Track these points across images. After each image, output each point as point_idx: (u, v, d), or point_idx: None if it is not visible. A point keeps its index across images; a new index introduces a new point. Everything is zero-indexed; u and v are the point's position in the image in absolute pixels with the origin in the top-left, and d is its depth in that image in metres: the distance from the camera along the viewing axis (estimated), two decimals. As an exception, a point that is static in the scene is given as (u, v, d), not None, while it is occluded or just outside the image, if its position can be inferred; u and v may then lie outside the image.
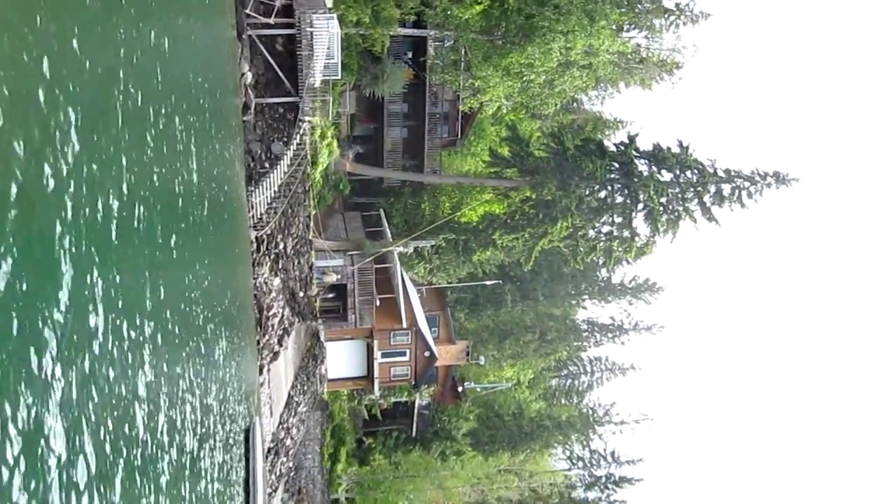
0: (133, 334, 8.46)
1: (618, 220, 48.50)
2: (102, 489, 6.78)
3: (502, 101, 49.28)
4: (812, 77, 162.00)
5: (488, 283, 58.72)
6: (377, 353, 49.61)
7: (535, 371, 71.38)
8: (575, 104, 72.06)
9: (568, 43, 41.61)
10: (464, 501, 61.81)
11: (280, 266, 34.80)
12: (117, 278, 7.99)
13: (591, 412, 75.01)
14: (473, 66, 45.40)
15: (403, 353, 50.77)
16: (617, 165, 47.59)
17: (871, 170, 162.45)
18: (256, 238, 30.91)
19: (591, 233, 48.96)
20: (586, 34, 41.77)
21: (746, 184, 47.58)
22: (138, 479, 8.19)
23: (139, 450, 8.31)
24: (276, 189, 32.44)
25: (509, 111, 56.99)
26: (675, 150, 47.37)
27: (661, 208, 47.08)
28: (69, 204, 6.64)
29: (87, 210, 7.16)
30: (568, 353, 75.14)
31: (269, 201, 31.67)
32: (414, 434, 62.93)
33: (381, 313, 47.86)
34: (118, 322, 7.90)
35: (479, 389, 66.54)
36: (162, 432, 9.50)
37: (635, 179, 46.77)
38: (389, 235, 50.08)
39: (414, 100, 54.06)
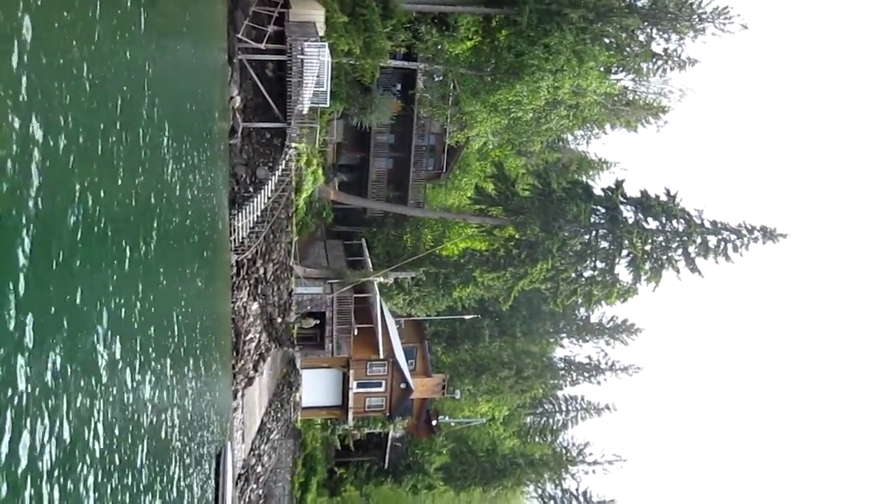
0: (106, 353, 8.41)
1: (600, 265, 48.29)
2: (68, 507, 6.70)
3: (489, 137, 49.59)
4: (802, 129, 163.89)
5: (467, 317, 58.64)
6: (353, 383, 49.37)
7: (510, 407, 71.15)
8: (561, 143, 72.64)
9: (556, 82, 41.99)
10: (433, 536, 61.33)
11: (259, 291, 34.69)
12: (94, 296, 7.95)
13: (564, 451, 74.65)
14: (461, 101, 45.72)
15: (379, 384, 50.54)
16: (603, 210, 47.50)
17: (858, 227, 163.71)
18: (237, 262, 30.84)
19: (573, 275, 48.69)
20: (574, 74, 42.17)
21: (733, 237, 47.23)
22: (101, 498, 8.09)
23: (107, 469, 8.22)
24: (259, 214, 32.41)
25: (495, 147, 57.35)
26: (663, 198, 47.05)
27: (645, 256, 46.90)
28: (48, 219, 6.62)
29: (67, 227, 7.14)
30: (544, 390, 74.93)
31: (251, 226, 31.64)
32: (386, 466, 62.47)
33: (359, 343, 47.65)
34: (92, 340, 7.85)
35: (453, 424, 66.22)
36: (131, 453, 9.41)
37: (620, 226, 46.62)
38: (370, 265, 50.00)
39: (401, 131, 54.29)
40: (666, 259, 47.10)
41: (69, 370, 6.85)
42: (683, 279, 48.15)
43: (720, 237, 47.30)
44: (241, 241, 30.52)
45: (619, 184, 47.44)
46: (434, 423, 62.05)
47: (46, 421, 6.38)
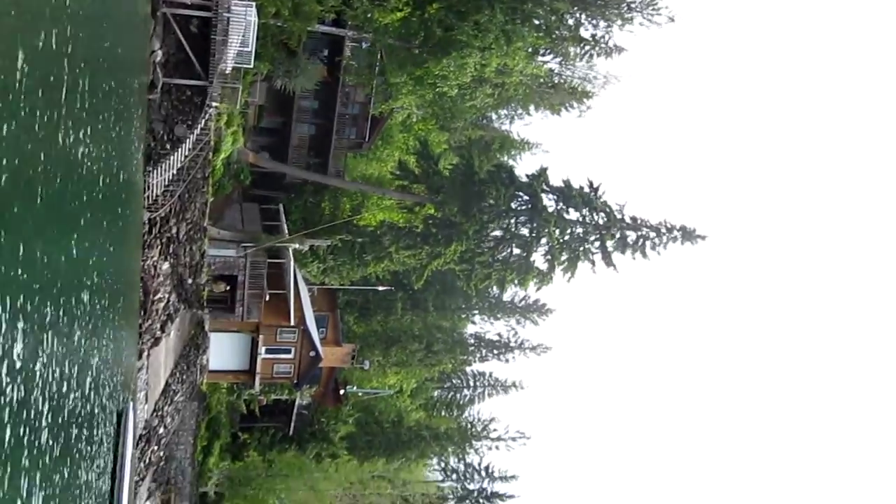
0: (5, 304, 8.21)
1: (517, 251, 48.38)
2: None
3: (413, 110, 49.48)
4: (726, 127, 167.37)
5: (380, 289, 58.71)
6: (261, 349, 48.99)
7: (418, 380, 71.57)
8: (485, 121, 72.96)
9: (483, 60, 42.09)
10: (334, 505, 61.48)
11: (171, 251, 34.11)
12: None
13: (469, 426, 75.52)
14: (388, 72, 45.46)
15: (288, 351, 50.27)
16: (525, 197, 47.44)
17: (777, 226, 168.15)
18: (149, 220, 30.25)
19: (489, 259, 48.62)
20: (502, 53, 42.33)
21: (652, 234, 47.34)
22: (-1, 454, 7.93)
23: (2, 422, 8.05)
24: (175, 172, 31.79)
25: (419, 120, 57.27)
26: (585, 189, 47.02)
27: (562, 247, 46.94)
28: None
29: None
30: (453, 365, 75.55)
31: (166, 184, 31.03)
32: (291, 433, 62.29)
33: (270, 309, 47.26)
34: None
35: (360, 394, 66.36)
36: (26, 408, 9.22)
37: (541, 214, 46.57)
38: (286, 231, 49.58)
39: (325, 98, 53.70)
40: (582, 251, 47.19)
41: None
42: (598, 272, 48.38)
43: (639, 234, 47.48)
44: (154, 198, 29.92)
45: (542, 171, 47.39)
46: (342, 392, 62.09)
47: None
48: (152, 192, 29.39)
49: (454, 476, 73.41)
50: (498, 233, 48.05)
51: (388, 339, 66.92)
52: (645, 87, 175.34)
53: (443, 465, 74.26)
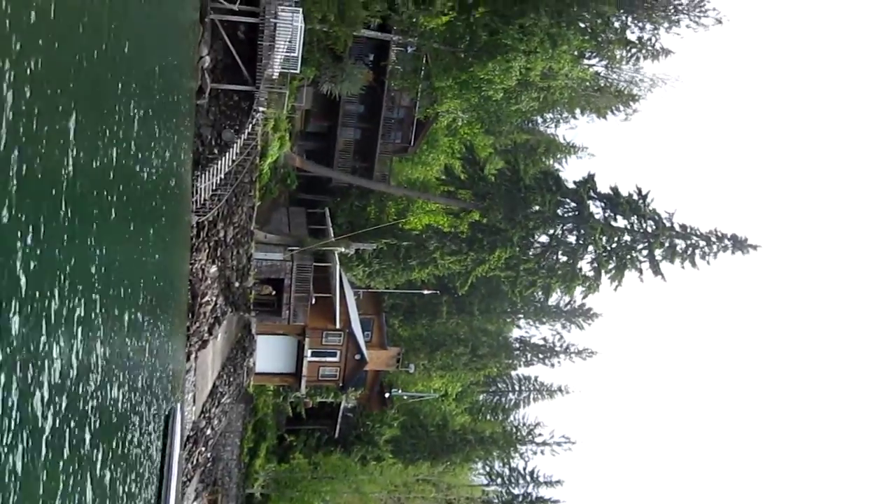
0: (60, 306, 8.36)
1: (563, 258, 47.81)
2: (13, 464, 6.68)
3: (458, 114, 49.47)
4: (778, 132, 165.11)
5: (426, 292, 58.80)
6: (307, 352, 49.32)
7: (463, 384, 71.52)
8: (530, 124, 72.75)
9: (528, 63, 41.97)
10: (379, 508, 61.56)
11: (218, 254, 34.47)
12: (49, 249, 7.90)
13: (514, 430, 75.31)
14: (433, 76, 45.53)
15: (334, 354, 50.54)
16: (572, 204, 46.81)
17: (833, 233, 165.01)
18: (198, 223, 30.59)
19: (534, 266, 48.10)
20: (547, 57, 42.18)
21: (702, 243, 46.32)
22: (50, 454, 8.07)
23: (56, 427, 8.19)
24: (223, 176, 32.12)
25: (464, 124, 57.28)
26: (634, 196, 46.13)
27: (609, 255, 46.10)
28: (4, 174, 6.56)
29: (27, 181, 7.08)
30: (498, 369, 75.42)
31: (214, 188, 31.36)
32: (336, 436, 62.58)
33: (316, 312, 47.58)
34: (47, 292, 7.80)
35: (405, 397, 66.48)
36: (76, 408, 9.37)
37: (588, 222, 45.85)
38: (332, 235, 49.85)
39: (371, 102, 53.96)
40: (630, 259, 46.18)
41: (23, 328, 6.82)
42: (646, 281, 47.38)
43: (689, 242, 46.46)
44: (203, 202, 30.24)
45: (589, 178, 46.67)
46: (387, 395, 62.26)
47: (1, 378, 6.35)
48: (200, 196, 29.71)
49: (499, 480, 73.24)
50: (544, 239, 47.56)
51: (433, 342, 66.95)
52: (694, 91, 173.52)
53: (487, 469, 74.13)
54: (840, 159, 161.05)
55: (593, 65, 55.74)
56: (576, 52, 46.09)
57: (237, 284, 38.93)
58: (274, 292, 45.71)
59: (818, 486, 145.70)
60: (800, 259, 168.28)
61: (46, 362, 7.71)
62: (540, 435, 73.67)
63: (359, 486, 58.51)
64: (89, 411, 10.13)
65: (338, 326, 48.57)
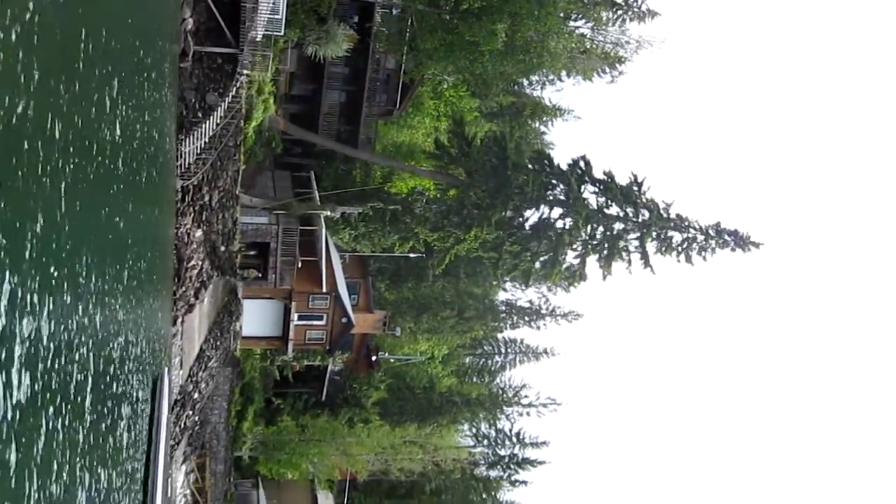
0: (45, 271, 8.34)
1: (546, 243, 46.67)
2: (1, 431, 6.69)
3: (444, 76, 49.17)
4: (767, 104, 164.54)
5: (412, 255, 58.86)
6: (294, 315, 49.39)
7: (449, 347, 71.88)
8: (516, 87, 72.38)
9: (514, 25, 41.69)
10: (367, 469, 62.01)
11: (204, 218, 34.35)
12: (29, 214, 7.86)
13: (500, 392, 75.85)
14: (419, 38, 45.20)
15: (320, 318, 50.65)
16: (561, 186, 45.45)
17: (832, 225, 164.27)
18: (182, 188, 30.47)
19: (517, 249, 46.88)
20: (534, 19, 41.91)
21: (700, 237, 44.60)
22: (38, 419, 8.09)
23: (42, 387, 8.20)
24: (207, 140, 31.93)
25: (450, 87, 56.99)
26: (629, 182, 44.81)
27: (599, 244, 44.86)
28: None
29: (5, 148, 7.02)
30: (484, 332, 75.78)
31: (198, 152, 31.19)
32: (323, 399, 62.88)
33: (302, 276, 47.58)
34: (30, 257, 7.77)
35: (392, 360, 66.78)
36: (62, 373, 9.38)
37: (578, 206, 44.54)
38: (318, 198, 49.71)
39: (355, 65, 53.57)
40: (618, 248, 44.73)
41: (8, 293, 6.80)
42: (635, 272, 45.99)
43: (686, 236, 44.87)
44: (187, 166, 30.10)
45: (583, 161, 45.34)
46: (373, 358, 62.49)
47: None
48: (185, 160, 29.56)
49: (485, 442, 73.89)
50: (532, 221, 46.59)
51: (419, 305, 67.16)
52: (681, 53, 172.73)
53: (474, 430, 74.72)
54: (834, 143, 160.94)
55: (579, 27, 55.44)
56: (562, 14, 45.80)
57: (223, 248, 38.85)
58: (259, 275, 45.50)
59: (814, 471, 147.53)
60: (799, 243, 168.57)
61: (32, 328, 7.70)
62: (526, 397, 74.27)
63: (346, 448, 58.93)
64: (75, 377, 10.13)
65: (324, 290, 48.60)
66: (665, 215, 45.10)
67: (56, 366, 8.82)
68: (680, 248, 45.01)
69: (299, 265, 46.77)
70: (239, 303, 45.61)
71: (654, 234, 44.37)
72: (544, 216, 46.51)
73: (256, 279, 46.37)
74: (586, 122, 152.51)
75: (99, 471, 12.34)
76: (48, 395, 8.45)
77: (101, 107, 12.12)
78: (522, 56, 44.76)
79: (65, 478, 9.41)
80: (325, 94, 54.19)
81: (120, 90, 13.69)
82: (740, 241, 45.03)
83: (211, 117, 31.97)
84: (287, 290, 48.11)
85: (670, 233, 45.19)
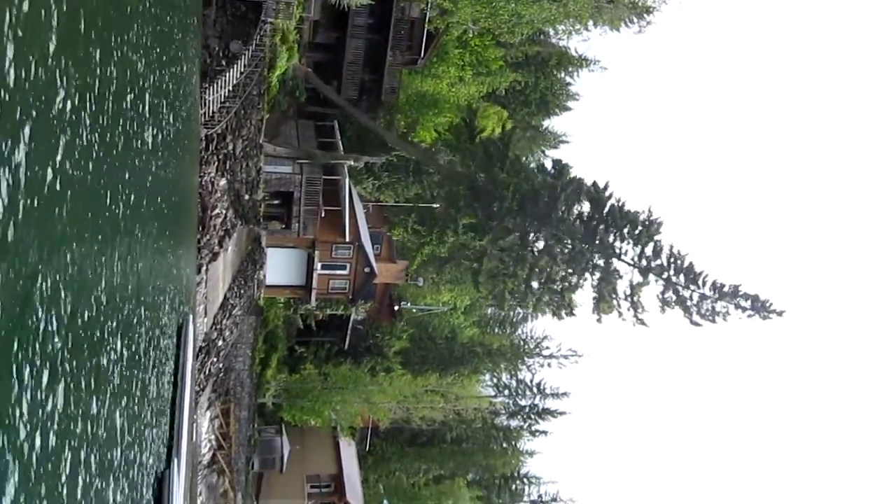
0: (70, 219, 8.41)
1: (554, 286, 45.93)
2: (32, 376, 6.80)
3: (469, 25, 48.68)
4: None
5: (435, 206, 58.78)
6: (317, 264, 49.63)
7: (471, 298, 72.09)
8: (542, 36, 71.52)
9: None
10: (389, 417, 62.66)
11: (228, 167, 34.44)
12: (56, 161, 7.90)
13: (522, 343, 76.12)
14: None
15: (343, 267, 50.87)
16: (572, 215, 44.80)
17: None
18: (206, 136, 30.49)
19: (519, 287, 46.36)
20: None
21: (711, 299, 41.60)
22: (59, 365, 8.21)
23: (67, 338, 8.32)
24: (231, 89, 31.90)
25: (475, 36, 56.40)
26: (642, 216, 42.97)
27: (599, 286, 43.39)
28: (15, 89, 6.52)
29: (31, 96, 7.04)
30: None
31: (222, 100, 31.17)
32: (346, 347, 63.37)
33: (325, 225, 47.74)
34: (52, 203, 7.83)
35: (414, 310, 67.07)
36: (89, 320, 9.49)
37: (588, 242, 43.76)
38: (341, 148, 49.64)
39: (380, 13, 53.03)
40: (612, 292, 43.10)
41: (29, 238, 6.86)
42: (627, 321, 44.10)
43: (694, 291, 41.61)
44: (211, 115, 30.10)
45: (608, 188, 43.99)
46: (396, 308, 62.82)
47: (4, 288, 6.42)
48: (209, 108, 29.54)
49: (506, 392, 74.40)
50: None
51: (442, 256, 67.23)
52: (711, 4, 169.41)
53: (495, 380, 75.21)
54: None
55: (607, -26, 54.57)
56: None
57: (247, 197, 38.98)
58: (283, 225, 45.63)
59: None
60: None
61: (58, 275, 7.79)
62: (547, 348, 74.50)
63: (368, 396, 59.50)
64: (101, 324, 10.25)
65: (347, 239, 48.75)
66: (675, 263, 42.77)
67: (81, 313, 8.92)
68: (685, 305, 42.56)
69: (322, 214, 46.89)
70: (263, 251, 45.88)
71: (668, 290, 41.99)
72: (550, 249, 45.76)
73: (281, 229, 46.58)
74: (613, 72, 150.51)
75: (126, 413, 12.53)
76: (73, 341, 8.57)
77: (124, 52, 12.10)
78: (548, 4, 44.24)
79: (93, 420, 9.57)
80: (349, 42, 53.74)
81: (142, 37, 13.65)
82: (759, 308, 42.08)
83: (235, 66, 31.90)
84: (310, 240, 48.30)
85: (679, 289, 42.69)
